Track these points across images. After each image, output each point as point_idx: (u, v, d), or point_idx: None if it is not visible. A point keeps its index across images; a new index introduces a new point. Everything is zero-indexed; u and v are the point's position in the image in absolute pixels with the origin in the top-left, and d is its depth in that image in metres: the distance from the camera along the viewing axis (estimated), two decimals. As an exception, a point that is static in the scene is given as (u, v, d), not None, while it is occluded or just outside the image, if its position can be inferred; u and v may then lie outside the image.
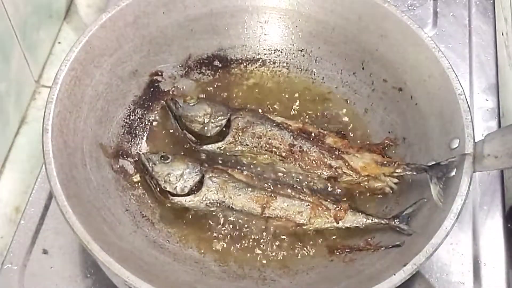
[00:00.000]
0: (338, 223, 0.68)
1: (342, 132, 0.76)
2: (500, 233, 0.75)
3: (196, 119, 0.74)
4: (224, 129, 0.73)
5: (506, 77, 0.87)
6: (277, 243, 0.69)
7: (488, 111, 0.85)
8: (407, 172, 0.69)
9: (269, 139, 0.72)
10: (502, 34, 0.91)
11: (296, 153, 0.72)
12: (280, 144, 0.72)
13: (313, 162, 0.72)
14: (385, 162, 0.71)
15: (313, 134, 0.74)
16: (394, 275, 0.57)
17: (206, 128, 0.73)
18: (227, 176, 0.70)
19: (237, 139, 0.72)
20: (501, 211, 0.77)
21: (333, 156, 0.72)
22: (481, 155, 0.62)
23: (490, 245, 0.75)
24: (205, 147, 0.73)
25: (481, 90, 0.87)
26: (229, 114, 0.74)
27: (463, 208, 0.61)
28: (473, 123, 0.65)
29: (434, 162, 0.66)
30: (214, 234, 0.69)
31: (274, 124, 0.73)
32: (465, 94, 0.67)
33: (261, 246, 0.69)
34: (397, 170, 0.70)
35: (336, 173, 0.71)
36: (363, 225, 0.68)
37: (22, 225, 0.73)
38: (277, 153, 0.72)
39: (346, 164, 0.71)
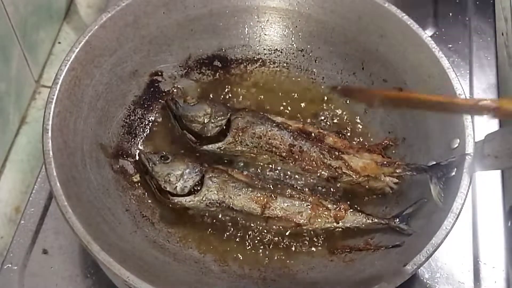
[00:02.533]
0: (338, 223, 0.68)
1: (342, 133, 0.76)
2: (500, 233, 0.75)
3: (196, 119, 0.74)
4: (224, 129, 0.73)
5: (506, 77, 0.87)
6: (277, 243, 0.69)
7: (488, 111, 0.85)
8: (407, 172, 0.69)
9: (269, 139, 0.72)
10: (502, 34, 0.91)
11: (296, 153, 0.72)
12: (280, 144, 0.72)
13: (313, 162, 0.71)
14: (385, 162, 0.71)
15: (313, 134, 0.74)
16: (394, 275, 0.56)
17: (206, 128, 0.73)
18: (227, 176, 0.70)
19: (237, 139, 0.72)
20: (501, 211, 0.77)
21: (333, 156, 0.71)
22: (481, 155, 0.62)
23: (490, 245, 0.75)
24: (205, 147, 0.73)
25: (481, 90, 0.87)
26: (229, 114, 0.74)
27: (463, 208, 0.61)
28: (473, 123, 0.65)
29: (434, 162, 0.67)
30: (214, 234, 0.69)
31: (274, 124, 0.73)
32: (465, 94, 0.67)
33: (261, 246, 0.69)
34: (397, 170, 0.70)
35: (336, 173, 0.71)
36: (363, 225, 0.68)
37: (22, 225, 0.73)
38: (277, 153, 0.72)
39: (346, 164, 0.71)
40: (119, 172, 0.71)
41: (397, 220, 0.66)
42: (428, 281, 0.72)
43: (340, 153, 0.72)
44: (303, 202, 0.69)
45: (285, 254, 0.68)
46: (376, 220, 0.68)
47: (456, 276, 0.72)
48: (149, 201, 0.71)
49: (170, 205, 0.70)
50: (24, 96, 0.84)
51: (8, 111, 0.79)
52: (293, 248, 0.69)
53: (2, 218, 0.76)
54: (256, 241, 0.69)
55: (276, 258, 0.68)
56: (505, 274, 0.73)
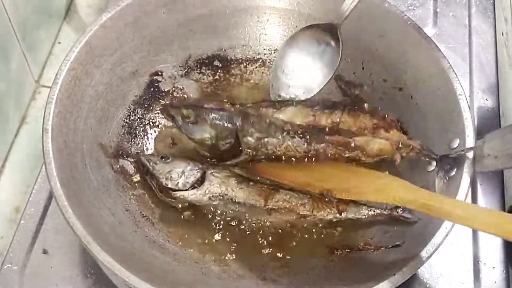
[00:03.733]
0: (341, 214, 0.68)
1: (358, 106, 0.72)
2: (500, 233, 0.75)
3: (203, 141, 0.72)
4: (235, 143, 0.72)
5: (506, 77, 0.87)
6: (277, 243, 0.69)
7: (488, 111, 0.85)
8: (420, 156, 0.68)
9: (284, 151, 0.71)
10: (502, 34, 0.91)
11: (313, 156, 0.70)
12: (296, 153, 0.71)
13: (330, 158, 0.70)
14: (400, 146, 0.69)
15: (326, 129, 0.71)
16: (394, 275, 0.57)
17: (216, 147, 0.72)
18: (229, 172, 0.70)
19: (251, 155, 0.71)
20: (501, 211, 0.77)
21: (349, 149, 0.70)
22: (481, 155, 0.62)
23: (490, 245, 0.75)
24: (223, 163, 0.71)
25: (481, 90, 0.87)
26: (235, 133, 0.71)
27: (463, 208, 0.61)
28: (473, 123, 0.65)
29: (443, 154, 0.66)
30: (215, 234, 0.69)
31: (285, 133, 0.70)
32: (465, 94, 0.67)
33: (262, 246, 0.69)
34: (411, 154, 0.69)
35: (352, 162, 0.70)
36: (366, 216, 0.68)
37: (22, 225, 0.73)
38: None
39: (363, 152, 0.69)
40: (119, 172, 0.71)
41: (400, 209, 0.67)
42: (428, 281, 0.72)
43: (355, 142, 0.69)
44: (305, 195, 0.69)
45: (285, 254, 0.68)
46: (378, 211, 0.68)
47: (456, 276, 0.72)
48: (149, 201, 0.71)
49: (172, 203, 0.69)
50: (24, 96, 0.84)
51: (8, 111, 0.79)
52: (294, 248, 0.69)
53: (2, 218, 0.76)
54: (256, 241, 0.69)
55: (276, 258, 0.68)
56: (505, 274, 0.73)
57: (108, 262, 0.56)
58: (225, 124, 0.72)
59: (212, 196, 0.69)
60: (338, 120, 0.71)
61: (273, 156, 0.71)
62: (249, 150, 0.71)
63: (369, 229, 0.69)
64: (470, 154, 0.63)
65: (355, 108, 0.72)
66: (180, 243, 0.68)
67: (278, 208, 0.69)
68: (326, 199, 0.69)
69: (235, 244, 0.69)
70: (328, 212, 0.69)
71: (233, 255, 0.68)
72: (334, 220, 0.69)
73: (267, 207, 0.69)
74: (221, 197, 0.69)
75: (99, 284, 0.70)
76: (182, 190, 0.68)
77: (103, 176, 0.68)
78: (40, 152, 0.61)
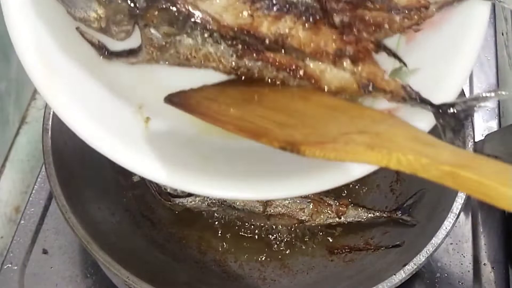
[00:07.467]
0: (340, 218, 0.69)
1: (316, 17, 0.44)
2: (500, 233, 0.75)
3: (89, 23, 0.46)
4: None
5: (506, 77, 0.87)
6: (277, 243, 0.69)
7: (488, 111, 0.85)
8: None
9: (202, 58, 0.45)
10: (502, 34, 0.91)
11: (242, 74, 0.45)
12: (219, 65, 0.45)
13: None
14: (370, 88, 0.41)
15: (267, 41, 0.44)
16: (394, 275, 0.57)
17: (107, 32, 0.46)
18: None
19: (154, 58, 0.47)
20: (501, 211, 0.77)
21: (295, 77, 0.44)
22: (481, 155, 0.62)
23: (490, 245, 0.75)
24: (115, 59, 0.47)
25: (481, 90, 0.87)
26: (134, 19, 0.45)
27: (463, 208, 0.61)
28: (473, 123, 0.65)
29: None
30: (214, 234, 0.69)
31: (206, 34, 0.44)
32: (465, 94, 0.67)
33: (262, 246, 0.69)
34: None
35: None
36: (365, 219, 0.68)
37: (22, 225, 0.73)
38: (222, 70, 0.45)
39: (316, 84, 0.44)
40: (119, 172, 0.71)
41: (399, 212, 0.67)
42: (428, 281, 0.72)
43: (306, 68, 0.44)
44: (305, 199, 0.69)
45: (285, 254, 0.69)
46: (377, 213, 0.68)
47: (456, 276, 0.72)
48: (149, 201, 0.71)
49: (171, 207, 0.70)
50: (24, 96, 0.84)
51: (8, 111, 0.79)
52: (294, 248, 0.69)
53: (2, 218, 0.76)
54: (256, 241, 0.69)
55: (276, 258, 0.68)
56: (505, 274, 0.73)
57: (108, 262, 0.56)
58: (120, 3, 0.45)
59: (211, 202, 0.69)
60: (286, 31, 0.45)
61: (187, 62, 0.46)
62: (151, 49, 0.47)
63: (369, 229, 0.69)
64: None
65: (318, 18, 0.44)
66: (180, 243, 0.68)
67: (276, 214, 0.69)
68: (326, 203, 0.69)
69: (235, 245, 0.69)
70: (327, 217, 0.69)
71: (233, 255, 0.68)
72: (333, 224, 0.69)
73: (266, 213, 0.69)
74: (219, 203, 0.69)
75: (99, 284, 0.70)
76: (181, 197, 0.68)
77: (103, 176, 0.68)
78: (40, 152, 0.61)
